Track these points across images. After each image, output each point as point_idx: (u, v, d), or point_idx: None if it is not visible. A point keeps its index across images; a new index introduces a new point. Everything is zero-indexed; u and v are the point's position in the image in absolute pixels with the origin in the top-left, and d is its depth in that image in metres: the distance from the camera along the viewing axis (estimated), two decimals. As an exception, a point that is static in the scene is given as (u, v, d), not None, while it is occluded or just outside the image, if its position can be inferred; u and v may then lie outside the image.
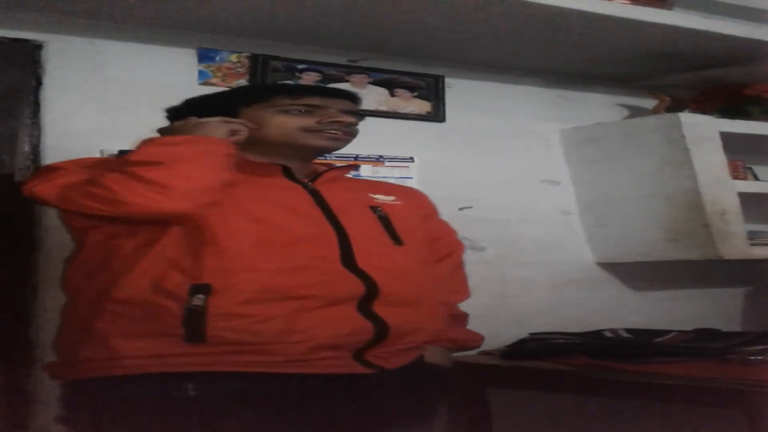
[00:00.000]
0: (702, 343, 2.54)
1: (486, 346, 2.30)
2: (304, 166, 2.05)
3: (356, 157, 2.84)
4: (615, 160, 3.23)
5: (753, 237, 3.12)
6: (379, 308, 1.85)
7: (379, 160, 2.94)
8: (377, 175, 2.84)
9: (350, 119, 2.06)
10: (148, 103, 2.51)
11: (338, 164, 2.37)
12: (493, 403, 2.47)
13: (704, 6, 3.14)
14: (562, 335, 2.66)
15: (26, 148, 2.45)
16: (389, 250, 1.96)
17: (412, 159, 3.01)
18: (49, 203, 1.84)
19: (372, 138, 2.96)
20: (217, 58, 2.79)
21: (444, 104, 3.15)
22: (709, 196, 3.02)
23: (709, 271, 3.47)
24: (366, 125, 2.98)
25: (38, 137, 2.47)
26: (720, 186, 3.07)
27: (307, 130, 1.99)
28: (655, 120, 3.20)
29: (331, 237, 1.88)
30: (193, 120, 1.93)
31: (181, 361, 1.74)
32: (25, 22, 2.49)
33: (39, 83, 2.49)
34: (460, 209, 2.96)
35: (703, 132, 3.10)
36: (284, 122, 1.99)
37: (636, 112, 3.52)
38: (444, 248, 2.20)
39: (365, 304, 1.84)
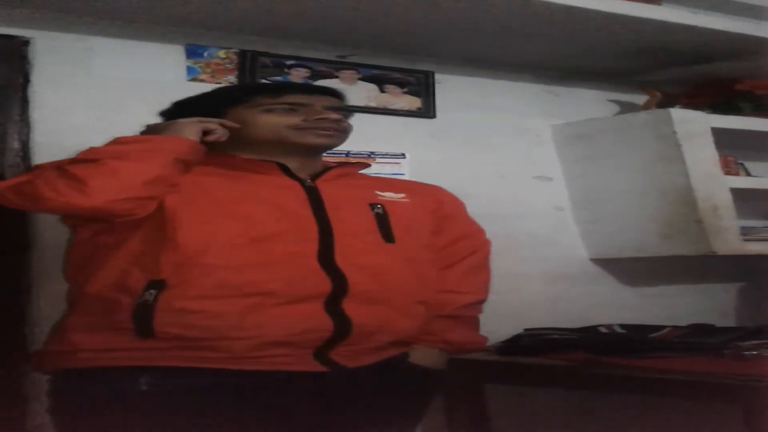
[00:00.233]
0: (697, 338, 2.57)
1: (480, 342, 2.33)
2: (307, 164, 2.07)
3: (347, 154, 2.87)
4: (607, 156, 3.28)
5: (746, 233, 3.18)
6: (347, 306, 1.88)
7: (370, 156, 2.98)
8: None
9: (336, 115, 2.08)
10: (137, 100, 2.56)
11: (353, 161, 2.40)
12: (490, 398, 2.51)
13: (693, 1, 3.16)
14: (558, 331, 2.70)
15: (15, 145, 2.47)
16: (375, 248, 1.98)
17: (403, 155, 3.05)
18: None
19: (362, 134, 2.97)
20: (206, 54, 2.83)
21: (434, 100, 3.19)
22: (701, 191, 3.06)
23: (703, 267, 3.52)
24: (356, 121, 3.01)
25: (27, 134, 2.49)
26: (712, 181, 3.12)
27: (296, 128, 2.02)
28: (646, 116, 3.24)
29: (311, 233, 1.91)
30: (176, 121, 1.97)
31: (132, 355, 1.79)
32: (12, 18, 2.51)
33: (27, 80, 2.52)
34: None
35: (695, 128, 3.15)
36: (270, 121, 2.02)
37: (627, 107, 3.57)
38: (465, 249, 2.20)
39: (333, 301, 1.87)
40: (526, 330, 2.75)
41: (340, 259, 1.90)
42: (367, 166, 2.29)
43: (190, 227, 1.83)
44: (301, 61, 2.98)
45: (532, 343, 2.63)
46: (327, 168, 2.11)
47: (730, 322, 3.36)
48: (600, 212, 3.33)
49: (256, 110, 2.04)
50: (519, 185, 3.32)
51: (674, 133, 3.10)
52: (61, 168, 1.80)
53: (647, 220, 3.16)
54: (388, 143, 3.05)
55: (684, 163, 3.07)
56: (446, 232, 2.19)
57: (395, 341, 2.00)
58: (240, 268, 1.81)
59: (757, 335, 2.51)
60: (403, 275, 1.99)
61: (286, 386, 1.85)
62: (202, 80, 2.79)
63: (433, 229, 2.16)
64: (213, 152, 2.00)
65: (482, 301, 2.21)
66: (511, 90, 3.39)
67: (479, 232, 2.28)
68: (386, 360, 1.99)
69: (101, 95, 2.61)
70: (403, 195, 2.13)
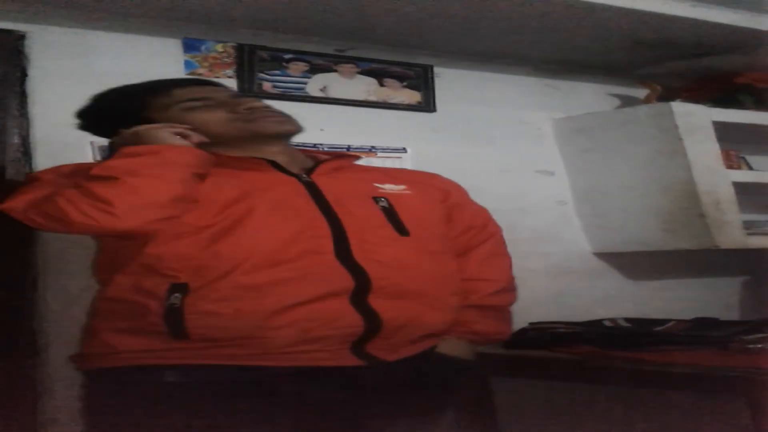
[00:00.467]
0: (702, 331, 2.62)
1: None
2: (293, 157, 2.08)
3: (348, 148, 2.92)
4: (608, 150, 3.33)
5: (749, 227, 3.22)
6: (373, 302, 1.88)
7: (371, 150, 3.02)
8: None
9: (259, 103, 2.10)
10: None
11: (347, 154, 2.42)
12: (496, 391, 2.55)
13: (693, -7, 3.22)
14: (563, 324, 2.75)
15: (16, 140, 2.51)
16: (390, 242, 1.97)
17: (404, 149, 3.10)
18: (19, 220, 1.88)
19: (363, 128, 3.06)
20: (203, 48, 2.86)
21: (434, 94, 3.24)
22: (703, 185, 3.12)
23: (706, 261, 3.56)
24: (356, 115, 3.08)
25: (27, 129, 2.53)
26: (714, 175, 3.17)
27: (238, 120, 2.03)
28: (647, 109, 3.30)
29: (323, 230, 1.90)
30: (142, 128, 1.95)
31: (170, 354, 1.82)
32: (6, 12, 2.54)
33: (24, 74, 2.55)
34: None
35: (696, 121, 3.20)
36: (204, 118, 2.03)
37: (627, 101, 3.62)
38: (478, 237, 2.20)
39: (358, 297, 1.87)
40: (531, 324, 2.80)
41: (359, 255, 1.90)
42: (358, 158, 2.28)
43: (196, 234, 1.84)
44: (300, 55, 3.02)
45: (538, 337, 2.69)
46: (319, 161, 2.11)
47: (733, 315, 3.40)
48: (602, 206, 3.38)
49: (175, 110, 2.04)
50: (521, 179, 3.38)
51: (676, 126, 3.15)
52: (79, 186, 1.81)
53: (650, 214, 3.22)
54: (389, 137, 3.10)
55: (686, 157, 3.12)
56: (457, 221, 2.19)
57: (429, 334, 2.01)
58: (256, 269, 1.82)
59: (761, 329, 2.54)
60: (425, 269, 1.99)
61: (323, 380, 1.87)
62: (200, 74, 2.82)
63: (445, 219, 2.16)
64: None
65: (507, 289, 2.21)
66: (510, 84, 3.44)
67: (489, 218, 2.28)
68: (422, 352, 2.00)
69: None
70: (404, 187, 2.13)
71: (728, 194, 3.17)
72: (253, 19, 2.82)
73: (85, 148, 2.44)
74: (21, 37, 2.57)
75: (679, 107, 3.20)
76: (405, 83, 3.19)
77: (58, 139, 2.48)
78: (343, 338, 1.87)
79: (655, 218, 3.20)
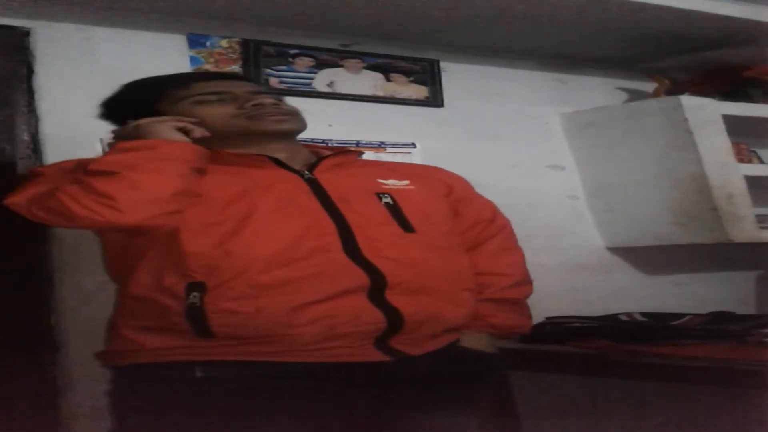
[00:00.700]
0: (718, 325, 2.67)
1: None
2: (295, 153, 2.09)
3: (357, 144, 2.95)
4: (618, 145, 3.37)
5: (762, 220, 3.26)
6: (391, 298, 1.90)
7: (381, 146, 3.05)
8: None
9: (269, 99, 2.11)
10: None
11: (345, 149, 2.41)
12: (515, 386, 2.58)
13: (701, -13, 3.24)
14: (579, 319, 2.79)
15: (25, 136, 2.54)
16: (397, 238, 1.99)
17: (414, 145, 3.13)
18: (22, 215, 1.91)
19: (371, 124, 3.08)
20: (208, 44, 2.89)
21: (441, 89, 3.28)
22: (715, 179, 3.15)
23: (720, 256, 3.60)
24: (364, 111, 3.11)
25: (36, 126, 2.56)
26: (726, 169, 3.21)
27: (242, 116, 2.05)
28: (656, 103, 3.33)
29: (329, 228, 1.93)
30: (144, 121, 1.98)
31: (195, 351, 1.85)
32: (10, 8, 2.56)
33: (31, 71, 2.58)
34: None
35: (706, 115, 3.24)
36: (211, 113, 2.05)
37: (635, 95, 3.66)
38: (486, 231, 2.23)
39: (376, 294, 1.89)
40: (547, 318, 2.84)
41: (368, 252, 1.92)
42: (361, 153, 2.30)
43: (204, 232, 1.87)
44: (305, 50, 3.06)
45: (555, 331, 2.73)
46: (321, 158, 2.13)
47: (748, 310, 3.38)
48: (614, 201, 3.42)
49: (186, 104, 2.07)
50: (531, 174, 3.41)
51: (685, 120, 3.18)
52: (79, 181, 1.84)
53: (662, 208, 3.26)
54: (397, 133, 3.13)
55: (697, 151, 3.16)
56: (464, 215, 2.21)
57: (449, 329, 2.04)
58: (270, 267, 1.84)
59: (778, 322, 2.59)
60: (434, 265, 2.00)
61: (351, 375, 1.89)
62: (206, 70, 2.83)
63: (450, 215, 2.18)
64: None
65: (522, 282, 2.23)
66: (517, 78, 3.48)
67: (496, 211, 2.30)
68: (446, 346, 2.03)
69: (105, 86, 2.58)
70: (407, 182, 2.14)
71: (741, 188, 3.21)
72: (257, 14, 2.85)
73: (95, 144, 2.46)
74: (25, 33, 2.60)
75: (688, 101, 3.23)
76: (411, 78, 3.23)
77: (67, 135, 2.52)
78: (367, 334, 1.89)
79: (668, 212, 3.24)
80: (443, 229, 2.11)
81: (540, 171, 3.46)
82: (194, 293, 1.82)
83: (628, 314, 2.88)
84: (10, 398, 2.34)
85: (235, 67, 2.91)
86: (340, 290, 1.87)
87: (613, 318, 2.86)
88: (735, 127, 3.30)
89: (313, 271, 1.86)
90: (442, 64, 3.30)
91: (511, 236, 2.30)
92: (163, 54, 2.81)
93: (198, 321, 1.82)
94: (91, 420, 2.27)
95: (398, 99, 3.19)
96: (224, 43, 2.92)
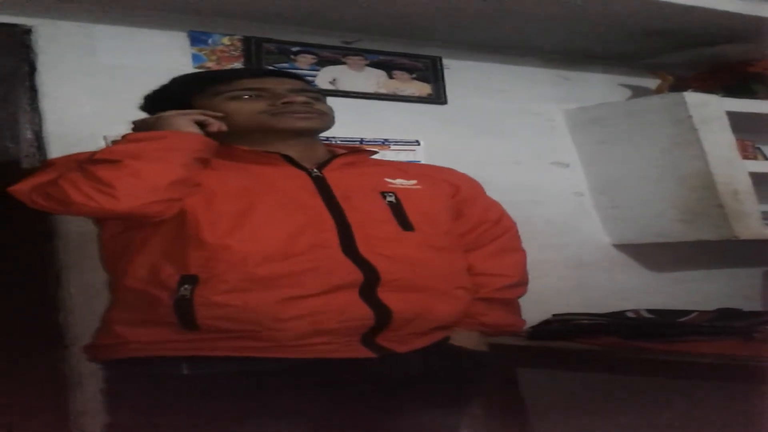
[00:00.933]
0: (725, 322, 2.71)
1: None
2: (308, 152, 2.13)
3: (361, 141, 2.98)
4: (622, 141, 3.41)
5: (767, 217, 3.28)
6: (382, 294, 1.95)
7: (384, 143, 3.08)
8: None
9: (302, 98, 2.13)
10: (144, 88, 2.63)
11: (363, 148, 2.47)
12: (523, 382, 2.62)
13: (703, -18, 3.26)
14: (586, 316, 2.83)
15: (29, 135, 2.56)
16: (395, 236, 2.04)
17: (418, 142, 3.16)
18: (23, 202, 1.96)
19: (374, 121, 3.11)
20: (210, 41, 2.92)
21: (444, 86, 3.31)
22: (720, 176, 3.19)
23: (725, 252, 3.63)
24: (367, 108, 3.13)
25: (39, 124, 2.58)
26: (731, 166, 3.25)
27: (267, 113, 2.09)
28: (659, 100, 3.37)
29: (328, 225, 1.98)
30: (165, 114, 2.04)
31: (179, 346, 1.90)
32: (12, 6, 2.59)
33: (33, 69, 2.61)
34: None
35: (710, 111, 3.28)
36: (239, 108, 2.10)
37: (637, 91, 3.70)
38: (491, 232, 2.27)
39: (368, 290, 1.94)
40: (554, 315, 2.89)
41: (364, 249, 1.97)
42: (374, 152, 2.35)
43: (212, 222, 1.91)
44: (307, 48, 3.09)
45: (563, 328, 2.77)
46: (333, 156, 2.17)
47: (755, 306, 3.43)
48: (619, 198, 3.46)
49: (220, 99, 2.11)
50: (536, 171, 3.45)
51: (689, 117, 3.22)
52: (83, 169, 1.89)
53: (667, 205, 3.30)
54: (401, 130, 3.16)
55: (701, 147, 3.20)
56: (467, 216, 2.25)
57: (439, 327, 2.08)
58: (266, 261, 1.89)
59: (784, 318, 2.63)
60: (429, 264, 2.05)
61: (335, 372, 1.93)
62: (208, 68, 2.87)
63: (453, 215, 2.23)
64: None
65: (518, 284, 2.27)
66: (521, 75, 3.52)
67: (503, 213, 2.34)
68: (435, 343, 2.07)
69: (108, 84, 2.70)
70: (415, 182, 2.19)
71: (746, 184, 3.24)
72: (259, 11, 2.89)
73: (99, 141, 2.49)
74: (27, 31, 2.63)
75: (692, 97, 3.27)
76: (414, 75, 3.26)
77: (71, 133, 2.55)
78: (354, 330, 1.94)
79: (673, 209, 3.28)
80: (443, 229, 2.16)
81: (544, 168, 3.49)
82: (186, 285, 1.87)
83: (635, 311, 2.91)
84: (20, 395, 2.37)
85: (238, 65, 2.94)
86: (331, 286, 1.91)
87: (620, 315, 2.89)
88: (739, 123, 3.34)
89: (308, 267, 1.91)
90: (445, 61, 3.34)
91: (515, 238, 2.34)
92: (165, 52, 2.84)
93: (185, 313, 1.86)
94: (99, 416, 2.30)
95: (401, 96, 3.23)
96: (226, 40, 2.95)
